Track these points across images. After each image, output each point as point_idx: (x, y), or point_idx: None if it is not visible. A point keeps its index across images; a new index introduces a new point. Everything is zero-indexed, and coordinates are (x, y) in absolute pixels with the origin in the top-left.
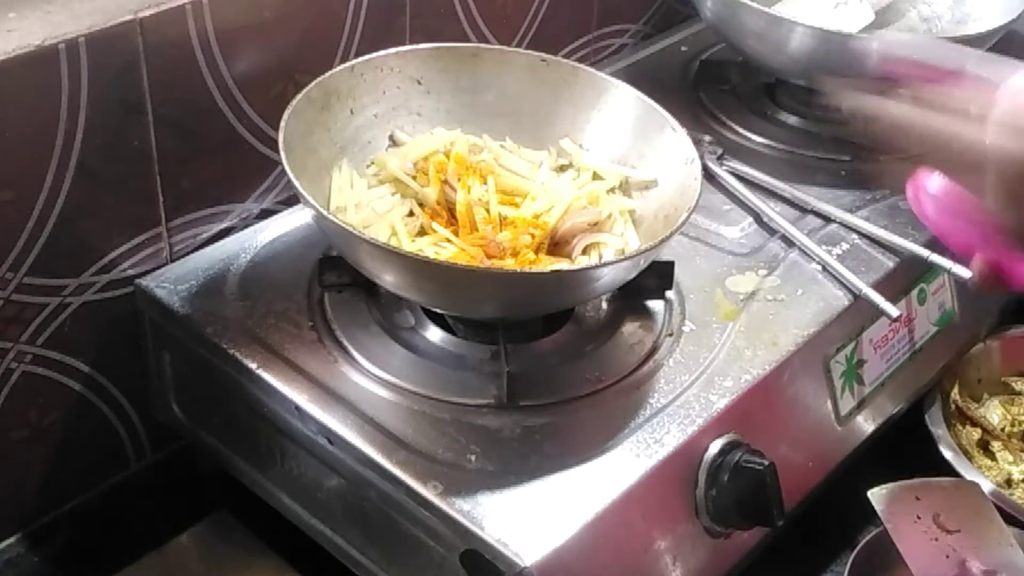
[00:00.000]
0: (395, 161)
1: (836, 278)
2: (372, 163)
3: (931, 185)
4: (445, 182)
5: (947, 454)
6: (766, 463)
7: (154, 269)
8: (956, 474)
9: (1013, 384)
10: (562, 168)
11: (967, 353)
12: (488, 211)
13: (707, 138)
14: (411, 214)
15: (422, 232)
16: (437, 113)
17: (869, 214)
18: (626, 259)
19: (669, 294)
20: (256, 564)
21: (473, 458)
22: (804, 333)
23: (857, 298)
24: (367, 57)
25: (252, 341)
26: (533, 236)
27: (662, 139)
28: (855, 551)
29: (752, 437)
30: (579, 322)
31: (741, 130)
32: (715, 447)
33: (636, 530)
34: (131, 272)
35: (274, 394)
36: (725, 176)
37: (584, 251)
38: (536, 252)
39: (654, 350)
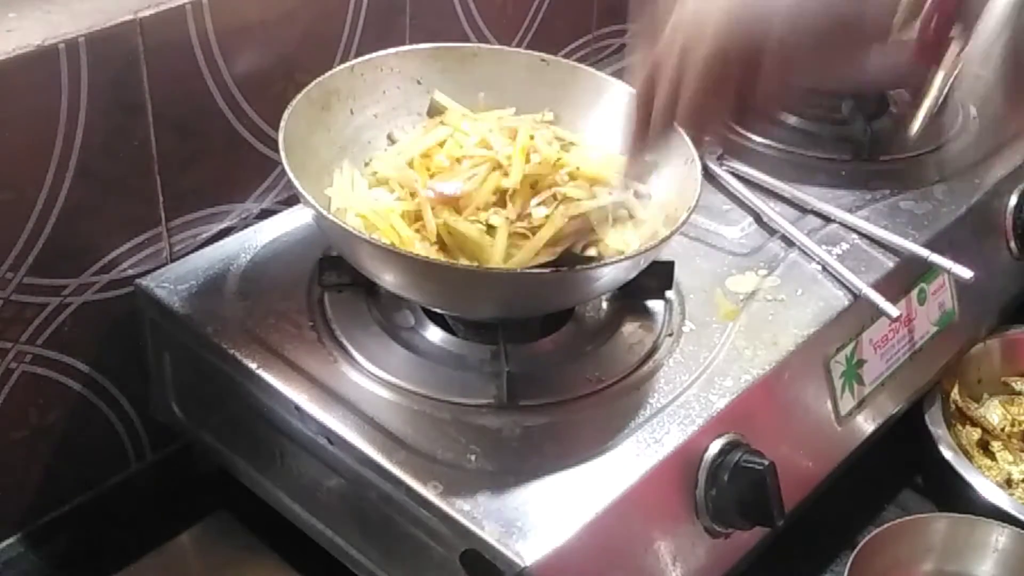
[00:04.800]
0: (388, 162)
1: (836, 278)
2: (368, 163)
3: None
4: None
5: (947, 454)
6: (766, 463)
7: (154, 269)
8: (956, 474)
9: (1013, 384)
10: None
11: (967, 353)
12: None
13: (707, 138)
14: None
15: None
16: None
17: (869, 214)
18: (626, 259)
19: (669, 294)
20: (256, 564)
21: (473, 458)
22: (804, 333)
23: (857, 298)
24: (367, 57)
25: (252, 341)
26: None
27: None
28: (855, 551)
29: (752, 437)
30: (579, 322)
31: (741, 130)
32: (715, 447)
33: (636, 530)
34: (131, 272)
35: (274, 394)
36: (725, 176)
37: (583, 250)
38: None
39: (654, 350)
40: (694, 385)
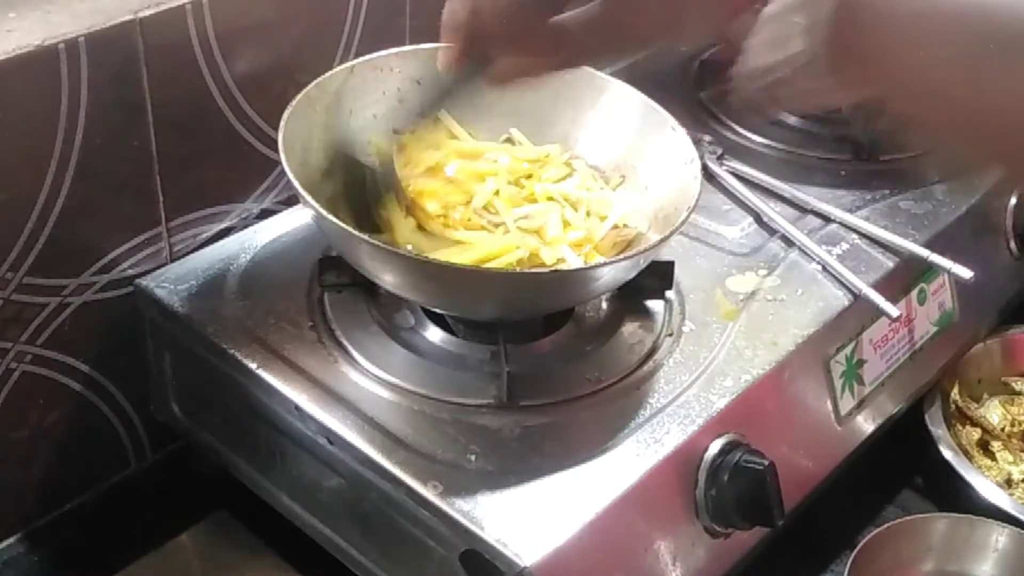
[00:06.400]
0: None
1: (836, 278)
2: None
3: None
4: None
5: (947, 454)
6: (766, 463)
7: (154, 269)
8: (956, 474)
9: (1013, 384)
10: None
11: (967, 353)
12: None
13: (707, 138)
14: None
15: None
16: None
17: (869, 214)
18: (626, 259)
19: (669, 294)
20: (256, 564)
21: (473, 458)
22: (804, 333)
23: (857, 298)
24: (367, 57)
25: (252, 341)
26: None
27: (662, 139)
28: (855, 551)
29: (752, 437)
30: (579, 322)
31: (741, 130)
32: (715, 447)
33: (636, 530)
34: (131, 272)
35: (274, 394)
36: (725, 176)
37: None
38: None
39: (654, 350)
40: (694, 385)
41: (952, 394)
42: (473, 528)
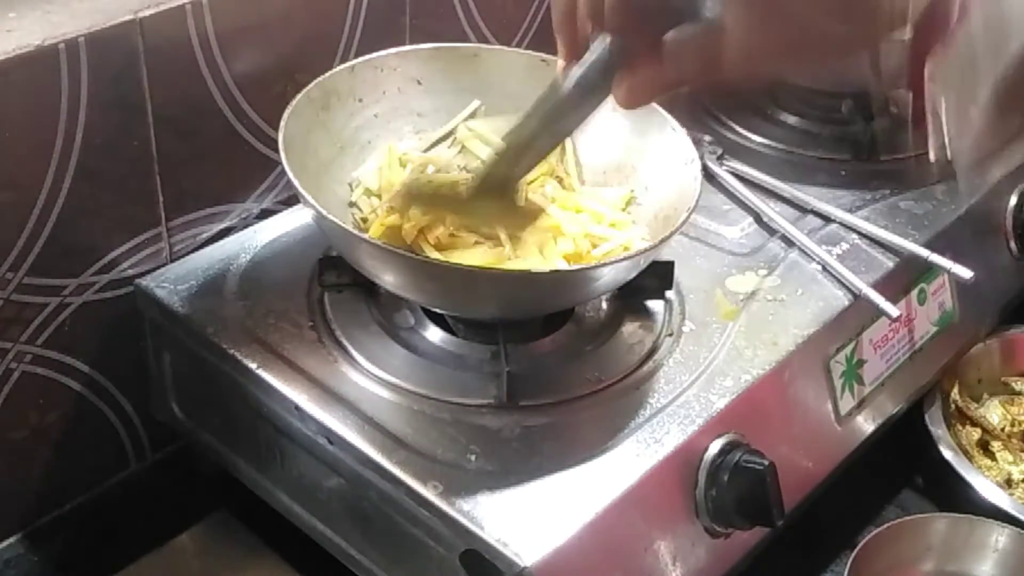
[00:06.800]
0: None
1: (836, 278)
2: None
3: None
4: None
5: (947, 454)
6: (766, 463)
7: (154, 269)
8: (956, 474)
9: (1013, 384)
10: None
11: (967, 353)
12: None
13: (707, 138)
14: None
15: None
16: (437, 113)
17: (869, 214)
18: (626, 259)
19: (669, 294)
20: (256, 564)
21: (473, 458)
22: (804, 333)
23: (857, 298)
24: (367, 57)
25: (252, 341)
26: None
27: (662, 139)
28: (855, 551)
29: (752, 437)
30: (579, 322)
31: (741, 130)
32: (715, 447)
33: (636, 530)
34: (131, 272)
35: (274, 394)
36: (725, 176)
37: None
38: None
39: (654, 350)
40: (694, 385)
41: (952, 394)
42: (473, 528)
